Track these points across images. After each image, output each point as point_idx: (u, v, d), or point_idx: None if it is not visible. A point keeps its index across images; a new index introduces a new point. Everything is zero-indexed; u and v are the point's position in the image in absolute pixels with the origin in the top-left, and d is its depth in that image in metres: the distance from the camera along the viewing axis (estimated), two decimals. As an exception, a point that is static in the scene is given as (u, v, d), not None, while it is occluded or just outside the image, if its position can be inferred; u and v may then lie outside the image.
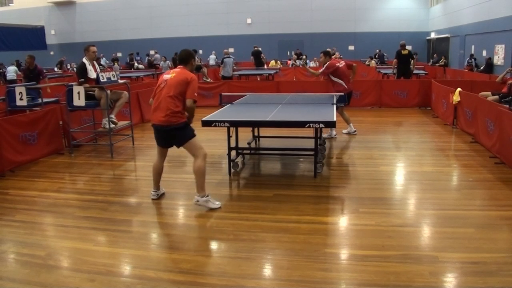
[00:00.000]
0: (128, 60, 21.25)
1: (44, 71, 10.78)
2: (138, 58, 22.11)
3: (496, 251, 3.21)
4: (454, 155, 6.24)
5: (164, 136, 4.22)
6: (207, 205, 4.19)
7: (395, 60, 11.67)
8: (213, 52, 21.92)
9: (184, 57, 4.28)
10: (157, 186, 4.51)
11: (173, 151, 4.44)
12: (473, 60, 17.22)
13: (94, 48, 6.53)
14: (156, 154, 4.40)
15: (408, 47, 16.07)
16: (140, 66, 20.84)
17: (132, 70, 19.41)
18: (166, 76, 4.19)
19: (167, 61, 18.01)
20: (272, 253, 3.30)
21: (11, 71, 15.37)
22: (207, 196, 4.22)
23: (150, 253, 3.35)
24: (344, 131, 7.61)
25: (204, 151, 4.20)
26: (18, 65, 16.87)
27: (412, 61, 11.46)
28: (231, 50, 22.96)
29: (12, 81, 14.14)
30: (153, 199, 4.47)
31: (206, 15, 25.82)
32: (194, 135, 4.19)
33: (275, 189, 4.66)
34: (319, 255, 3.23)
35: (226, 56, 13.46)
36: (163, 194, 4.61)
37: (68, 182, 5.36)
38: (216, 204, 4.24)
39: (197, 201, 4.20)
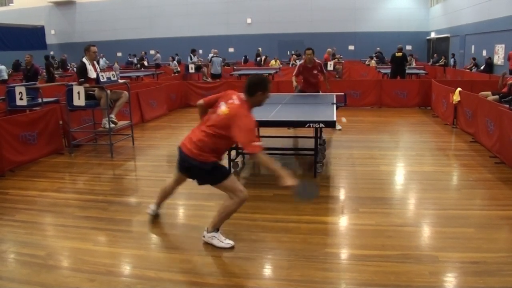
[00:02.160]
0: (137, 59, 21.38)
1: (41, 70, 10.84)
2: (146, 57, 22.21)
3: (496, 251, 3.21)
4: (454, 155, 6.24)
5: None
6: (212, 242, 3.36)
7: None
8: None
9: (252, 85, 3.16)
10: (160, 203, 3.88)
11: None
12: (455, 59, 17.29)
13: (94, 48, 6.54)
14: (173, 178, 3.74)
15: (409, 47, 16.16)
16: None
17: (142, 69, 19.45)
18: (222, 108, 3.20)
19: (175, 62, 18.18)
20: (272, 253, 3.30)
21: (2, 70, 14.08)
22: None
23: (150, 253, 3.35)
24: None
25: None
26: (18, 64, 16.67)
27: (405, 63, 12.62)
28: (231, 50, 22.98)
29: (4, 82, 12.90)
30: (148, 213, 3.91)
31: (206, 15, 25.84)
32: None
33: (275, 189, 4.64)
34: (319, 255, 3.23)
35: (214, 55, 14.58)
36: (158, 215, 3.93)
37: (68, 182, 5.36)
38: (226, 243, 3.34)
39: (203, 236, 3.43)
